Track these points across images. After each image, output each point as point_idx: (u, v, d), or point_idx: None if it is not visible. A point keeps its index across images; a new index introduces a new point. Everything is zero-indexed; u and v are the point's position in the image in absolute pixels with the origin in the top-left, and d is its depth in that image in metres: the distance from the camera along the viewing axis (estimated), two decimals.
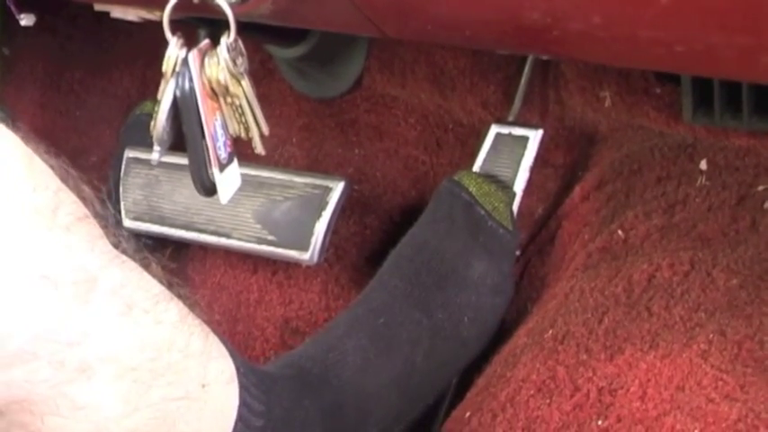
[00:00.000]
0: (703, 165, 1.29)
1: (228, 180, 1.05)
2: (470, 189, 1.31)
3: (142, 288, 0.96)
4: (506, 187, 1.34)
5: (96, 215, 0.96)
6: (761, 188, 1.25)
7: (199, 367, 1.00)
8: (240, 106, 1.02)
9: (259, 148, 1.06)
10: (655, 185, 1.30)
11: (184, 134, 1.01)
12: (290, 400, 1.12)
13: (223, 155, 1.04)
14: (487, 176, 1.35)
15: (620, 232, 1.28)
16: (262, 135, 1.05)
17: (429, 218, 1.33)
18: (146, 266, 0.99)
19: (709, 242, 1.22)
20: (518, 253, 1.38)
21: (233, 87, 1.00)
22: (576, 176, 1.40)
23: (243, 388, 1.04)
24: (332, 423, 1.14)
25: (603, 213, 1.32)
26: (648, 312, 1.15)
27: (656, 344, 1.10)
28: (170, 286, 1.00)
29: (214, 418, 1.02)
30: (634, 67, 1.06)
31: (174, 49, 1.00)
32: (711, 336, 1.09)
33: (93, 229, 0.94)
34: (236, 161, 1.06)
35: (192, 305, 1.02)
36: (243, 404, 1.04)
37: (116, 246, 0.96)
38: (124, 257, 0.96)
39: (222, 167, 1.04)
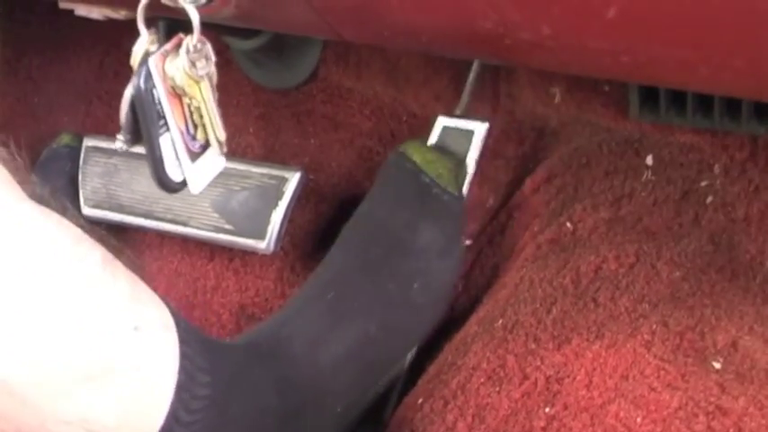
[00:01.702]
0: (649, 160, 1.32)
1: (202, 169, 1.05)
2: (414, 158, 1.31)
3: (61, 229, 0.95)
4: (450, 154, 1.34)
5: (3, 161, 0.95)
6: (704, 184, 1.28)
7: (129, 309, 0.98)
8: (198, 108, 1.02)
9: (218, 153, 1.06)
10: (602, 179, 1.32)
11: (141, 132, 1.01)
12: (239, 364, 1.11)
13: (196, 145, 1.04)
14: (433, 146, 1.36)
15: (568, 224, 1.30)
16: (218, 140, 1.05)
17: (376, 191, 1.34)
18: (63, 212, 0.98)
19: (654, 235, 1.25)
20: (469, 242, 1.40)
21: (189, 89, 1.00)
22: (527, 169, 1.41)
23: (183, 342, 1.02)
24: (287, 396, 1.14)
25: (553, 206, 1.34)
26: (595, 303, 1.17)
27: (602, 334, 1.13)
28: (90, 232, 0.99)
29: (152, 364, 0.99)
30: (582, 75, 1.08)
31: (142, 45, 0.99)
32: (655, 327, 1.12)
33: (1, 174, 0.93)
34: (212, 149, 1.05)
35: (118, 253, 1.01)
36: (184, 356, 1.01)
37: (31, 195, 0.95)
38: (37, 204, 0.95)
39: (195, 157, 1.04)
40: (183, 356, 1.01)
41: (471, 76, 1.42)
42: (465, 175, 1.34)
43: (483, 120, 1.37)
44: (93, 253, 0.97)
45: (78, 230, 0.97)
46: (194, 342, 1.04)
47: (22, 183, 0.96)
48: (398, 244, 1.28)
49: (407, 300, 1.26)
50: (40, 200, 0.96)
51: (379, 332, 1.23)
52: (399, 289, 1.26)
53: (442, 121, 1.39)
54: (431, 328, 1.30)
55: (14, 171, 0.95)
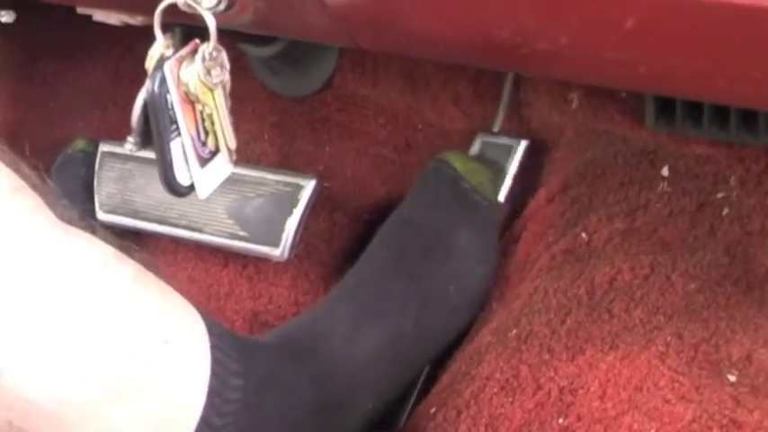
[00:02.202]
0: (665, 171, 1.31)
1: (211, 175, 1.06)
2: (455, 165, 1.34)
3: (91, 250, 0.97)
4: (491, 164, 1.38)
5: (34, 187, 0.96)
6: (719, 195, 1.28)
7: (158, 323, 1.00)
8: (210, 115, 1.03)
9: (226, 160, 1.06)
10: (617, 190, 1.32)
11: (151, 136, 1.01)
12: (273, 362, 1.12)
13: (206, 151, 1.05)
14: (473, 156, 1.39)
15: (583, 235, 1.30)
16: (229, 148, 1.05)
17: (415, 194, 1.36)
18: (92, 232, 0.99)
19: (669, 247, 1.24)
20: None
21: (202, 96, 1.01)
22: (542, 179, 1.42)
23: (215, 348, 1.04)
24: (322, 390, 1.15)
25: (568, 216, 1.34)
26: (609, 314, 1.17)
27: (616, 345, 1.12)
28: (123, 249, 1.00)
29: (183, 375, 1.01)
30: (600, 85, 1.08)
31: (158, 49, 1.00)
32: (669, 338, 1.12)
33: (31, 199, 0.95)
34: (221, 155, 1.06)
35: (151, 267, 1.02)
36: (216, 362, 1.03)
37: (61, 217, 0.97)
38: (68, 226, 0.97)
39: (204, 163, 1.04)
40: (216, 362, 1.03)
41: (505, 91, 1.44)
42: (502, 186, 1.37)
43: (523, 136, 1.40)
44: (124, 270, 0.99)
45: (109, 248, 0.99)
46: (227, 347, 1.06)
47: (52, 205, 0.97)
48: (436, 245, 1.30)
49: (444, 301, 1.28)
50: (70, 222, 0.98)
51: (414, 331, 1.25)
52: (436, 289, 1.27)
53: (482, 137, 1.42)
54: (464, 330, 1.31)
55: (44, 194, 0.97)
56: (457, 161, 1.35)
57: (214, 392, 1.02)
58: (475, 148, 1.41)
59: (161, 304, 1.01)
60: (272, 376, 1.11)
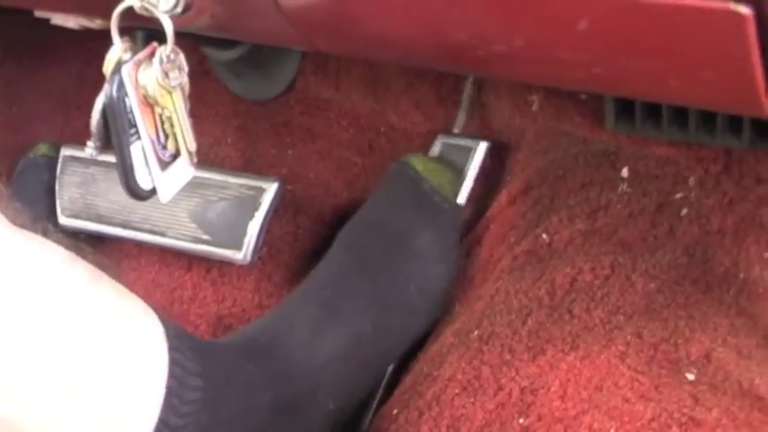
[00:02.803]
0: (625, 172, 1.32)
1: (172, 178, 1.06)
2: (416, 167, 1.35)
3: (44, 252, 0.97)
4: (452, 165, 1.38)
5: None
6: (679, 196, 1.28)
7: (115, 323, 1.00)
8: (170, 118, 1.02)
9: (187, 162, 1.06)
10: (578, 191, 1.33)
11: (111, 140, 1.01)
12: (232, 363, 1.12)
13: (166, 155, 1.05)
14: (435, 157, 1.39)
15: (544, 236, 1.30)
16: (189, 150, 1.05)
17: (376, 196, 1.37)
18: (44, 235, 0.99)
19: (630, 247, 1.25)
20: None
21: (161, 99, 1.01)
22: (504, 181, 1.42)
23: (173, 348, 1.03)
24: (282, 392, 1.14)
25: (529, 217, 1.34)
26: (570, 314, 1.18)
27: (577, 345, 1.13)
28: (77, 250, 1.00)
29: (140, 374, 1.01)
30: (556, 86, 1.08)
31: (115, 53, 1.00)
32: (629, 338, 1.12)
33: None
34: (182, 158, 1.06)
35: (105, 268, 1.02)
36: (173, 362, 1.03)
37: (13, 221, 0.97)
38: (20, 229, 0.97)
39: (165, 166, 1.04)
40: (173, 362, 1.03)
41: (465, 93, 1.44)
42: (462, 187, 1.37)
43: (483, 138, 1.41)
44: (78, 271, 0.99)
45: (61, 250, 0.99)
46: (185, 347, 1.05)
47: (4, 208, 0.97)
48: (396, 247, 1.30)
49: (404, 302, 1.28)
50: (22, 225, 0.98)
51: (374, 332, 1.25)
52: (396, 291, 1.28)
53: (442, 139, 1.43)
54: (425, 331, 1.31)
55: None
56: (418, 163, 1.36)
57: (172, 392, 1.02)
58: (435, 150, 1.42)
59: (117, 304, 1.01)
60: (231, 377, 1.10)
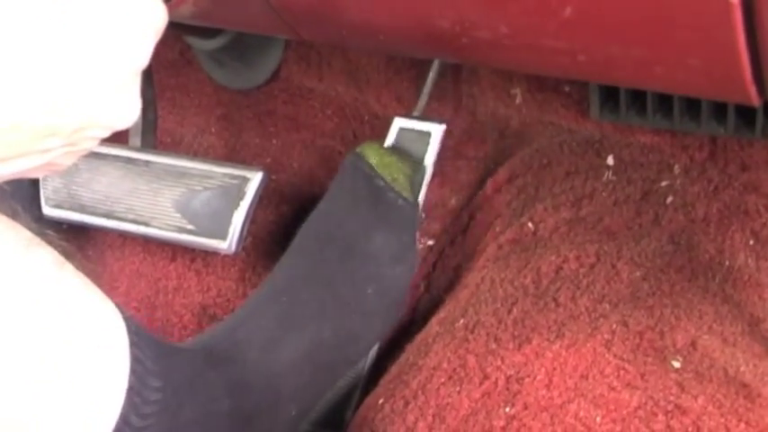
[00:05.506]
0: (610, 160, 1.32)
1: None
2: (371, 161, 1.31)
3: (10, 233, 0.95)
4: (409, 157, 1.34)
5: None
6: (664, 184, 1.29)
7: (79, 310, 0.98)
8: None
9: None
10: (563, 180, 1.33)
11: None
12: (192, 369, 1.11)
13: None
14: (390, 148, 1.36)
15: (529, 224, 1.30)
16: None
17: (332, 192, 1.33)
18: (13, 216, 0.97)
19: (615, 235, 1.25)
20: (431, 243, 1.40)
21: None
22: (489, 169, 1.42)
23: (134, 345, 1.01)
24: (241, 399, 1.13)
25: (514, 206, 1.34)
26: (555, 303, 1.18)
27: (562, 334, 1.13)
28: (42, 236, 0.98)
29: (102, 368, 0.99)
30: (541, 74, 1.08)
31: None
32: (614, 326, 1.12)
33: None
34: None
35: (71, 257, 1.00)
36: (135, 359, 1.01)
37: None
38: None
39: None
40: (134, 360, 1.01)
41: (430, 76, 1.42)
42: (422, 180, 1.34)
43: (440, 121, 1.37)
44: (44, 256, 0.97)
45: (28, 234, 0.97)
46: (146, 346, 1.04)
47: None
48: (352, 249, 1.28)
49: (361, 305, 1.26)
50: None
51: (333, 337, 1.23)
52: (353, 294, 1.26)
53: (399, 123, 1.39)
54: (385, 332, 1.31)
55: None
56: (373, 155, 1.31)
57: (133, 390, 1.01)
58: (392, 136, 1.38)
59: (81, 292, 0.99)
60: (191, 382, 1.09)
